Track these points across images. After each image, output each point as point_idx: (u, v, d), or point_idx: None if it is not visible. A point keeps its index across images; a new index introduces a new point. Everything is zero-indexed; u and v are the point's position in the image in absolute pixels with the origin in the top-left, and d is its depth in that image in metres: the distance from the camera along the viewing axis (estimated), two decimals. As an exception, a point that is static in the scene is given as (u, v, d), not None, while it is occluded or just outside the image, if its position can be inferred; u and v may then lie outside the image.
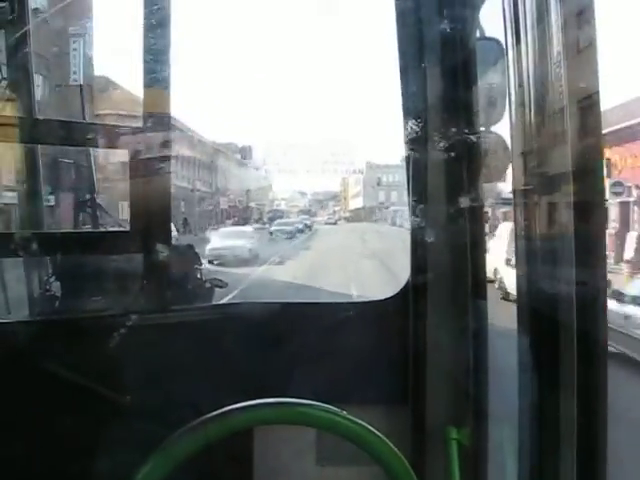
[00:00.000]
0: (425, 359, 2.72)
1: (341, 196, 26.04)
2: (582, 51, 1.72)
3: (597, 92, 1.69)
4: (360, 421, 1.85)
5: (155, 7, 2.71)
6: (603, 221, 1.70)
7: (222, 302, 3.01)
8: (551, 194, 1.80)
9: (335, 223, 24.83)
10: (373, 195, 22.85)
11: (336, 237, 21.42)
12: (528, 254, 2.04)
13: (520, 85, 2.02)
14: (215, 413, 1.82)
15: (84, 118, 3.41)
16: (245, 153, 17.75)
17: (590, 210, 1.67)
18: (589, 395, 1.69)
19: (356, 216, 24.84)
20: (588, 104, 1.72)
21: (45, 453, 2.48)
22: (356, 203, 25.02)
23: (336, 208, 25.93)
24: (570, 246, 1.68)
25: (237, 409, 1.84)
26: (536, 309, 1.98)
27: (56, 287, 2.87)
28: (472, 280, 2.68)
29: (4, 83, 3.02)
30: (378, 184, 22.03)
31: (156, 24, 2.71)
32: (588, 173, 1.69)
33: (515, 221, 2.12)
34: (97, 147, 2.93)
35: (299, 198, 24.25)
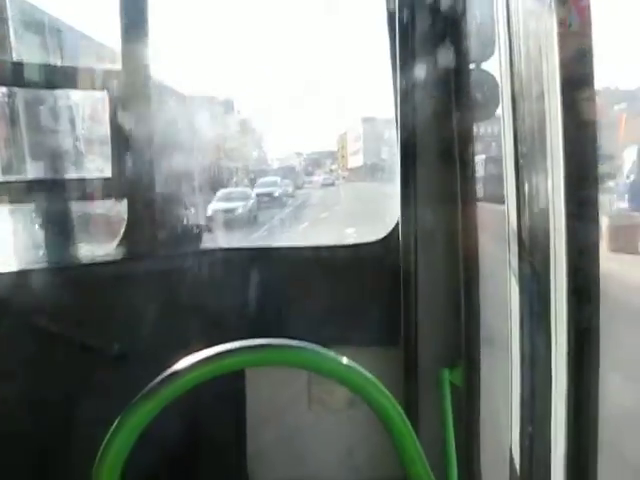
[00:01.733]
0: (416, 300, 2.69)
1: (339, 154, 24.68)
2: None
3: (590, 27, 1.62)
4: (351, 362, 1.81)
5: None
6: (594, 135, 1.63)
7: (212, 247, 2.97)
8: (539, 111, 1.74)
9: (333, 184, 23.06)
10: (375, 151, 21.43)
11: (334, 201, 19.69)
12: (518, 190, 1.99)
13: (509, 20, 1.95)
14: (202, 354, 1.78)
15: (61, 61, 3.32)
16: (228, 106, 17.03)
17: (581, 121, 1.61)
18: (580, 331, 1.65)
19: (356, 175, 23.53)
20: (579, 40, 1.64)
21: (32, 400, 2.46)
22: (356, 161, 23.69)
23: (333, 167, 24.56)
24: (558, 157, 1.63)
25: (224, 351, 1.81)
26: (528, 244, 1.93)
27: (39, 235, 2.81)
28: (462, 219, 2.63)
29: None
30: (381, 139, 20.47)
31: None
32: (578, 91, 1.63)
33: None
34: (75, 89, 2.86)
35: (294, 157, 23.26)
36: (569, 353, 1.65)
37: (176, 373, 1.78)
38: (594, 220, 1.63)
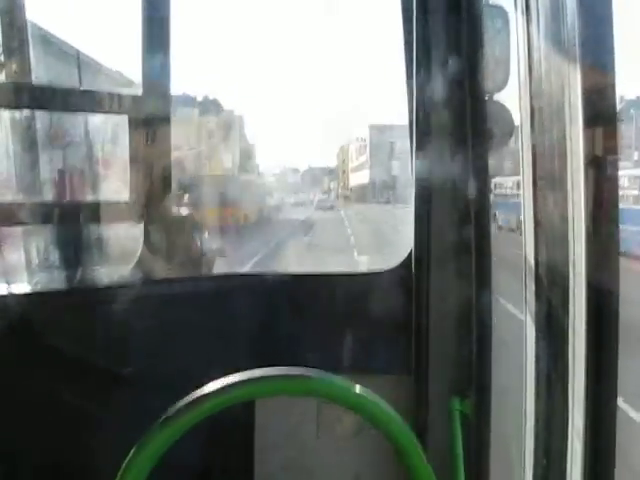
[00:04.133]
0: (428, 329, 2.70)
1: (339, 169, 21.18)
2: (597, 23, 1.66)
3: (612, 61, 1.64)
4: (364, 390, 1.82)
5: None
6: (615, 170, 1.65)
7: (227, 272, 2.99)
8: (559, 146, 1.76)
9: (331, 207, 19.56)
10: (384, 166, 17.53)
11: (328, 237, 15.77)
12: (536, 224, 2.00)
13: (529, 53, 1.97)
14: (218, 383, 1.79)
15: (81, 85, 3.36)
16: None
17: (601, 161, 1.63)
18: (597, 363, 1.66)
19: (361, 195, 19.91)
20: (602, 75, 1.66)
21: (48, 423, 2.47)
22: (360, 178, 20.10)
23: (332, 185, 21.22)
24: (579, 191, 1.64)
25: (236, 382, 1.82)
26: (543, 278, 1.94)
27: (55, 257, 2.84)
28: (476, 248, 2.65)
29: (0, 49, 2.97)
30: (391, 152, 16.59)
31: None
32: (601, 128, 1.64)
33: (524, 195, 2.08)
34: (95, 112, 2.89)
35: (291, 174, 20.82)
36: (586, 390, 1.66)
37: (195, 401, 1.79)
38: (615, 262, 1.65)
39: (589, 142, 1.64)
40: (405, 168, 2.81)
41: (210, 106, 17.28)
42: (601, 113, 1.66)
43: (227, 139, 17.30)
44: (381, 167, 18.00)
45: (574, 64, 1.67)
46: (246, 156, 19.13)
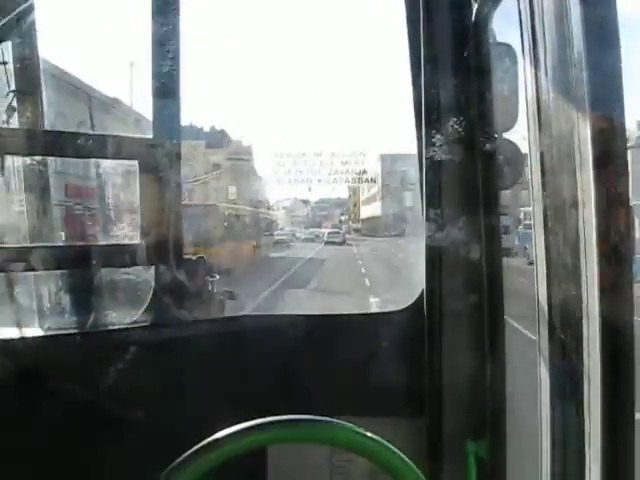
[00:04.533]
0: (441, 370, 2.68)
1: (350, 202, 20.25)
2: (603, 58, 1.66)
3: (620, 98, 1.64)
4: (374, 436, 1.80)
5: (164, 16, 2.71)
6: (629, 226, 1.64)
7: (233, 315, 2.99)
8: (571, 198, 1.74)
9: (342, 242, 18.32)
10: (396, 198, 16.64)
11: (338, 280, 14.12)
12: (548, 263, 1.99)
13: (537, 91, 1.97)
14: (230, 431, 1.78)
15: (92, 129, 3.39)
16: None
17: (614, 214, 1.62)
18: (613, 408, 1.63)
19: (372, 228, 19.03)
20: (610, 111, 1.66)
21: (56, 466, 2.46)
22: (371, 210, 19.33)
23: (343, 217, 20.37)
24: (592, 255, 1.63)
25: (250, 427, 1.80)
26: (556, 317, 1.93)
27: (67, 301, 2.85)
28: (488, 290, 2.64)
29: (12, 95, 3.00)
30: (402, 182, 15.63)
31: (166, 33, 2.71)
32: (611, 176, 1.63)
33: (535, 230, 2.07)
34: (106, 158, 2.92)
35: (301, 207, 20.47)
36: (603, 437, 1.64)
37: (205, 449, 1.78)
38: (629, 304, 1.63)
39: (600, 185, 1.63)
40: (418, 200, 2.81)
41: (217, 137, 17.17)
42: (611, 155, 1.66)
43: (233, 171, 16.99)
44: (393, 199, 17.22)
45: (582, 104, 1.67)
46: (254, 188, 18.69)
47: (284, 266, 15.55)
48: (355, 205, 20.23)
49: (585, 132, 1.65)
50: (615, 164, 1.65)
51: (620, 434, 1.62)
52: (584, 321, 1.69)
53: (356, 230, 19.87)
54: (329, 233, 18.86)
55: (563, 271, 1.86)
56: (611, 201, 1.62)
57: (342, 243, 18.53)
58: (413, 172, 2.90)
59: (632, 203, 1.67)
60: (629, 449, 1.61)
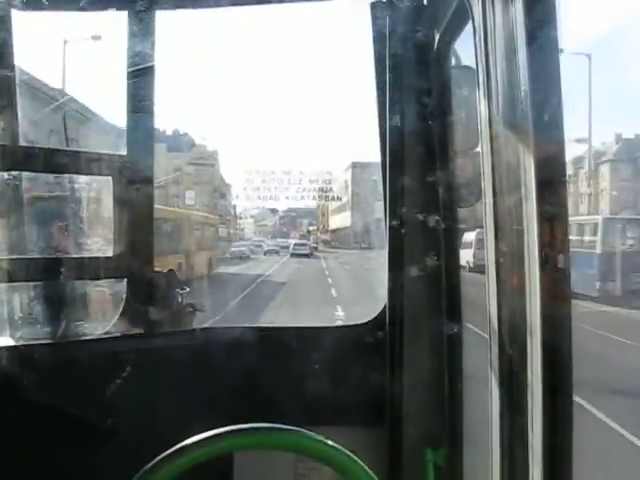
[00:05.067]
0: (401, 381, 2.77)
1: (318, 211, 18.80)
2: (546, 83, 1.78)
3: (561, 121, 1.76)
4: (336, 444, 1.88)
5: (140, 33, 2.78)
6: (566, 233, 1.76)
7: (202, 326, 3.06)
8: (517, 206, 1.86)
9: (308, 255, 16.94)
10: (367, 208, 15.48)
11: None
12: (497, 277, 2.09)
13: (489, 112, 2.07)
14: (199, 437, 1.85)
15: (67, 145, 3.44)
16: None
17: (554, 221, 1.74)
18: (552, 417, 1.74)
19: (341, 239, 18.15)
20: (552, 135, 1.78)
21: (29, 472, 2.50)
22: (340, 221, 18.06)
23: (311, 227, 19.06)
24: (534, 258, 1.74)
25: (218, 434, 1.88)
26: (504, 331, 2.02)
27: (39, 311, 2.90)
28: (447, 304, 2.74)
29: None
30: (373, 192, 13.57)
31: (141, 51, 2.78)
32: (552, 189, 1.75)
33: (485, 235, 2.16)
34: (81, 174, 2.99)
35: (270, 216, 19.56)
36: (544, 445, 1.75)
37: (173, 455, 1.85)
38: (567, 322, 1.75)
39: (542, 205, 1.74)
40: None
41: (180, 140, 16.35)
42: (552, 178, 1.77)
43: (196, 176, 16.30)
44: (363, 209, 16.23)
45: (527, 130, 1.79)
46: (220, 195, 18.09)
47: (233, 288, 12.98)
48: (324, 215, 18.98)
49: (529, 157, 1.77)
50: (555, 187, 1.76)
51: (558, 441, 1.73)
52: (528, 334, 1.80)
53: (325, 242, 18.79)
54: (295, 244, 17.32)
55: (509, 286, 1.96)
56: (551, 222, 1.74)
57: (309, 255, 17.22)
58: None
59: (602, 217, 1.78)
60: (566, 454, 1.73)
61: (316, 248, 17.85)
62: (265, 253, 17.98)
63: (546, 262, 1.73)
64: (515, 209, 1.87)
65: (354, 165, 15.76)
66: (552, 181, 1.74)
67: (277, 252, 17.83)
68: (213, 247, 14.69)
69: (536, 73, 1.74)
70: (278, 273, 15.35)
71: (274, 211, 19.44)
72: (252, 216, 19.74)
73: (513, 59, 1.82)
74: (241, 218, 19.94)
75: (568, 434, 1.72)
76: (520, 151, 1.81)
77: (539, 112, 1.74)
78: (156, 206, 2.87)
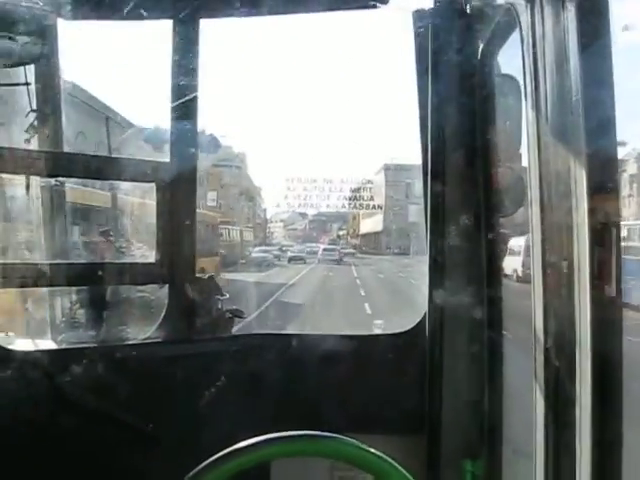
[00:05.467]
0: (441, 390, 2.76)
1: (349, 215, 17.66)
2: (599, 91, 1.76)
3: (614, 129, 1.74)
4: (378, 452, 1.88)
5: (184, 42, 2.81)
6: (618, 242, 1.74)
7: (243, 333, 3.08)
8: (567, 216, 1.84)
9: (339, 261, 15.69)
10: (401, 212, 14.80)
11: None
12: (545, 288, 2.07)
13: (537, 121, 2.05)
14: (236, 446, 1.85)
15: (110, 152, 3.49)
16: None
17: (605, 232, 1.71)
18: (601, 430, 1.72)
19: (373, 245, 16.95)
20: (604, 143, 1.76)
21: (70, 474, 2.53)
22: (372, 225, 17.00)
23: (341, 232, 18.25)
24: (585, 269, 1.72)
25: (257, 442, 1.87)
26: (551, 341, 2.00)
27: (81, 315, 2.94)
28: (488, 312, 2.73)
29: (33, 115, 3.09)
30: (407, 196, 14.12)
31: (184, 57, 2.81)
32: (604, 199, 1.73)
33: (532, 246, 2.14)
34: (125, 181, 3.02)
35: (299, 220, 19.10)
36: (592, 462, 1.72)
37: (217, 461, 1.85)
38: (618, 333, 1.72)
39: (593, 214, 1.72)
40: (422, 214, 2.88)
41: (205, 141, 16.36)
42: (603, 190, 1.75)
43: (220, 178, 15.60)
44: (397, 212, 15.20)
45: (579, 140, 1.77)
46: (249, 199, 17.58)
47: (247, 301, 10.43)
48: (354, 219, 17.95)
49: (581, 167, 1.75)
50: (607, 198, 1.74)
51: (608, 455, 1.70)
52: (576, 345, 1.77)
53: (355, 247, 17.57)
54: (324, 250, 16.09)
55: (558, 302, 1.94)
56: (603, 232, 1.72)
57: (339, 261, 15.89)
58: (418, 185, 2.97)
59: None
60: (616, 471, 1.70)
61: (353, 254, 16.39)
62: (290, 261, 16.10)
63: (597, 273, 1.71)
64: (565, 219, 1.85)
65: (387, 167, 14.75)
66: (604, 190, 1.72)
67: (303, 260, 16.06)
68: (212, 252, 12.35)
69: (588, 81, 1.72)
70: (303, 282, 13.85)
71: (304, 215, 18.74)
72: (282, 220, 19.38)
73: (564, 67, 1.81)
74: (271, 222, 19.73)
75: (617, 450, 1.70)
76: (571, 161, 1.80)
77: (591, 121, 1.72)
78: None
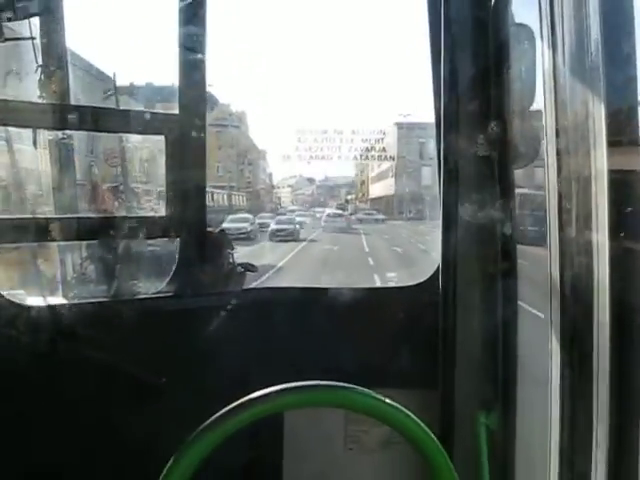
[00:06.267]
0: (454, 343, 2.75)
1: (357, 179, 16.63)
2: (619, 32, 1.71)
3: (635, 82, 1.69)
4: (394, 403, 1.87)
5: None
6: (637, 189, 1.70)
7: (255, 287, 3.07)
8: (585, 164, 1.80)
9: (346, 228, 14.00)
10: (414, 174, 13.55)
11: None
12: (561, 241, 2.04)
13: (553, 72, 2.00)
14: (250, 396, 1.85)
15: (117, 105, 3.45)
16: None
17: (627, 193, 1.68)
18: (622, 378, 1.70)
19: (383, 210, 15.44)
20: (624, 94, 1.71)
21: (87, 431, 2.55)
22: (383, 188, 15.45)
23: (350, 197, 16.79)
24: (603, 213, 1.69)
25: (270, 393, 1.87)
26: (568, 294, 1.98)
27: (91, 271, 2.93)
28: (502, 266, 2.70)
29: (40, 70, 3.06)
30: (421, 156, 12.84)
31: (192, 14, 2.76)
32: (624, 157, 1.69)
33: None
34: (134, 133, 2.99)
35: (307, 185, 18.19)
36: (610, 408, 1.70)
37: (230, 412, 1.85)
38: (637, 282, 1.69)
39: (614, 165, 1.68)
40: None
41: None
42: (624, 136, 1.71)
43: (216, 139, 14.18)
44: (410, 174, 13.95)
45: (597, 86, 1.72)
46: (250, 163, 16.37)
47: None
48: (363, 183, 16.64)
49: (600, 114, 1.70)
50: (628, 145, 1.70)
51: (627, 404, 1.68)
52: (594, 298, 1.75)
53: (366, 213, 15.81)
54: (328, 215, 14.18)
55: (576, 250, 1.91)
56: (624, 181, 1.68)
57: (346, 230, 14.27)
58: (432, 145, 2.93)
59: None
60: (636, 418, 1.68)
61: (382, 219, 14.10)
62: (272, 237, 13.31)
63: (615, 221, 1.67)
64: (582, 166, 1.81)
65: (399, 126, 13.00)
66: (624, 135, 1.67)
67: (292, 234, 13.37)
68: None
69: (608, 21, 1.67)
70: (296, 263, 11.79)
71: (311, 180, 17.88)
72: (289, 185, 18.51)
73: (582, 8, 1.75)
74: (278, 187, 18.76)
75: (636, 395, 1.68)
76: (589, 104, 1.75)
77: (611, 62, 1.67)
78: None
